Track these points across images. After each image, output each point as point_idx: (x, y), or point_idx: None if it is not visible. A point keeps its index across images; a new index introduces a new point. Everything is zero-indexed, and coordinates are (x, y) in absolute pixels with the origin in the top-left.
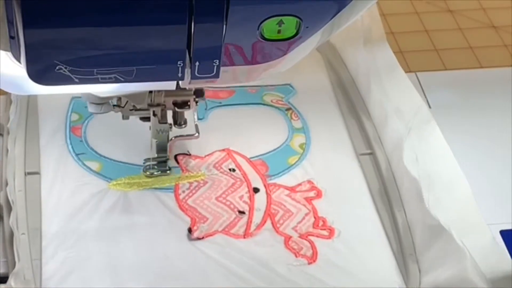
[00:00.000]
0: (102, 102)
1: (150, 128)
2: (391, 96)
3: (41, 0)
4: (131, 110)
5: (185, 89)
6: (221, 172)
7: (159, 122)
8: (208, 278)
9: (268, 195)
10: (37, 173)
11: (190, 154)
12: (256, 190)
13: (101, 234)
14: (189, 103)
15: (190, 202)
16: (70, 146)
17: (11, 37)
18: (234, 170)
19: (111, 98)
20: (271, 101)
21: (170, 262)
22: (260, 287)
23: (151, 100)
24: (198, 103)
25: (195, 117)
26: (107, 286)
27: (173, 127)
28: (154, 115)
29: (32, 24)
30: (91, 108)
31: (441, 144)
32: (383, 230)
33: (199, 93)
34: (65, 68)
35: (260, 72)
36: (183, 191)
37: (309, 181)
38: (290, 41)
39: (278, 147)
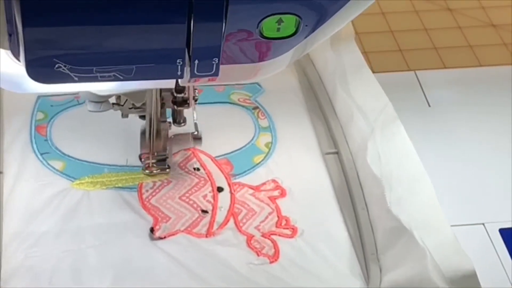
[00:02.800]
0: (101, 101)
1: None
2: (356, 96)
3: (40, 1)
4: (130, 108)
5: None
6: (185, 171)
7: (159, 121)
8: (169, 278)
9: (232, 194)
10: (0, 172)
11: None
12: (220, 189)
13: (62, 233)
14: (188, 102)
15: (153, 202)
16: (34, 145)
17: (10, 36)
18: (198, 169)
19: (110, 96)
20: (238, 100)
21: (132, 262)
22: (219, 287)
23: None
24: (197, 102)
25: (195, 115)
26: (68, 286)
27: (173, 125)
28: None
29: (31, 22)
30: (90, 107)
31: (405, 144)
32: (346, 229)
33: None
34: (64, 66)
35: (259, 70)
36: (147, 190)
37: (273, 180)
38: (289, 39)
39: (243, 146)
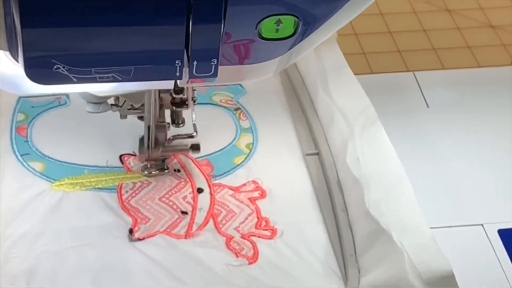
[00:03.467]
0: (100, 102)
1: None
2: (337, 97)
3: (38, 1)
4: (129, 109)
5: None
6: (165, 172)
7: (157, 122)
8: (147, 280)
9: (212, 195)
10: None
11: (135, 154)
12: (200, 190)
13: (41, 235)
14: (187, 103)
15: (133, 203)
16: (14, 146)
17: (9, 37)
18: (179, 170)
19: (109, 97)
20: (220, 101)
21: (111, 263)
22: (198, 286)
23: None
24: (196, 103)
25: (193, 116)
26: (46, 287)
27: (171, 126)
28: None
29: (30, 23)
30: (89, 108)
31: (385, 145)
32: (325, 230)
33: (195, 147)
34: (63, 67)
35: (258, 72)
36: (126, 191)
37: (253, 181)
38: (288, 40)
39: (224, 147)
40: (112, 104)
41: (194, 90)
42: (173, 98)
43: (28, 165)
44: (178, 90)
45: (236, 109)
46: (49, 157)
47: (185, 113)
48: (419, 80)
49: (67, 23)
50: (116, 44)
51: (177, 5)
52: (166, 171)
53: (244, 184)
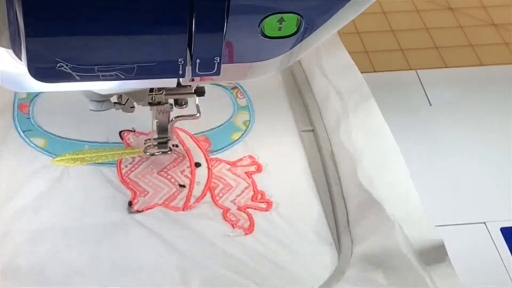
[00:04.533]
0: (103, 100)
1: (150, 109)
2: (332, 76)
3: None
4: (131, 107)
5: (185, 87)
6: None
7: (160, 103)
8: (146, 250)
9: (209, 169)
10: None
11: (134, 131)
12: (197, 164)
13: (41, 209)
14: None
15: (132, 176)
16: (16, 123)
17: (12, 34)
18: (177, 145)
19: (112, 95)
20: None
21: (109, 234)
22: (196, 256)
23: (151, 99)
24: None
25: (196, 98)
26: (44, 260)
27: (174, 107)
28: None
29: (33, 21)
30: (91, 106)
31: (379, 122)
32: (319, 203)
33: (200, 92)
34: (66, 65)
35: (261, 69)
36: (126, 166)
37: (250, 156)
38: (290, 38)
39: (222, 124)
40: (115, 102)
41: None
42: (176, 98)
43: (30, 141)
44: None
45: (233, 88)
46: (50, 133)
47: None
48: (422, 79)
49: (70, 22)
50: (119, 43)
51: (180, 3)
52: (168, 152)
53: (240, 159)
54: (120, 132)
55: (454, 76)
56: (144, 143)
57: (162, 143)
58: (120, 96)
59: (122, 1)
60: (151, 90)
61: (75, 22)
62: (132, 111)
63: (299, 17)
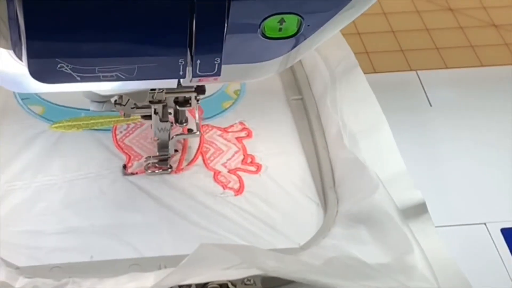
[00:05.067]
0: (104, 100)
1: (151, 127)
2: (320, 46)
3: None
4: (132, 108)
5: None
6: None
7: (160, 121)
8: (141, 210)
9: (201, 135)
10: None
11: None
12: (190, 130)
13: (40, 170)
14: (190, 101)
15: (127, 142)
16: (15, 91)
17: (13, 35)
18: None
19: (112, 96)
20: None
21: (105, 196)
22: (187, 215)
23: (152, 97)
24: (199, 102)
25: (197, 115)
26: (43, 216)
27: (174, 125)
28: (156, 113)
29: (34, 22)
30: (92, 107)
31: (364, 89)
32: (307, 167)
33: (200, 90)
34: (67, 66)
35: (261, 70)
36: (121, 132)
37: (240, 123)
38: (291, 39)
39: (214, 93)
40: (115, 103)
41: None
42: (176, 97)
43: (28, 108)
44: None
45: None
46: (48, 101)
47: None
48: (422, 79)
49: (71, 22)
50: (120, 43)
51: (180, 4)
52: (169, 170)
53: (231, 125)
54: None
55: (454, 77)
56: (145, 161)
57: (163, 160)
58: (120, 96)
59: (123, 2)
60: (152, 89)
61: (75, 23)
62: (133, 112)
63: (299, 18)
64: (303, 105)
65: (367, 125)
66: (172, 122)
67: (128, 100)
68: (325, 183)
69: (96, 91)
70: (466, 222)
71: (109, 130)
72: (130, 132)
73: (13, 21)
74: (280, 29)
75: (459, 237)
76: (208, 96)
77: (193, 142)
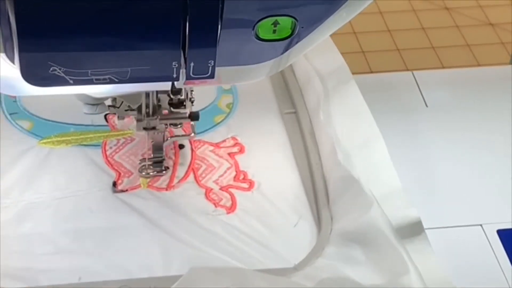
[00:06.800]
0: (97, 103)
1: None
2: (314, 59)
3: (35, 2)
4: (126, 110)
5: (179, 112)
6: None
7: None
8: (131, 229)
9: (192, 151)
10: None
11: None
12: (181, 146)
13: (28, 188)
14: (184, 103)
15: (117, 158)
16: (3, 106)
17: (5, 38)
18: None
19: (106, 98)
20: None
21: (92, 212)
22: (178, 234)
23: (146, 124)
24: (193, 103)
25: (192, 122)
26: (30, 234)
27: (169, 127)
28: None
29: (26, 25)
30: (86, 109)
31: (358, 103)
32: (301, 183)
33: (194, 116)
34: (59, 69)
35: (256, 72)
36: (110, 147)
37: (233, 138)
38: (285, 41)
39: (206, 107)
40: (109, 105)
41: (192, 90)
42: (171, 99)
43: (16, 124)
44: (175, 91)
45: None
46: (36, 116)
47: None
48: (418, 80)
49: (63, 25)
50: (112, 46)
51: (173, 6)
52: (163, 171)
53: (223, 140)
54: (105, 115)
55: (450, 77)
56: (139, 163)
57: (157, 162)
58: (114, 99)
59: (115, 5)
60: (147, 95)
61: (68, 26)
62: (127, 114)
63: (293, 20)
64: (297, 119)
65: (361, 140)
66: (166, 124)
67: (122, 102)
68: (319, 200)
69: (89, 94)
70: (462, 223)
71: (98, 145)
72: (120, 147)
73: (5, 24)
74: (274, 31)
75: (455, 238)
76: (199, 110)
77: (185, 158)
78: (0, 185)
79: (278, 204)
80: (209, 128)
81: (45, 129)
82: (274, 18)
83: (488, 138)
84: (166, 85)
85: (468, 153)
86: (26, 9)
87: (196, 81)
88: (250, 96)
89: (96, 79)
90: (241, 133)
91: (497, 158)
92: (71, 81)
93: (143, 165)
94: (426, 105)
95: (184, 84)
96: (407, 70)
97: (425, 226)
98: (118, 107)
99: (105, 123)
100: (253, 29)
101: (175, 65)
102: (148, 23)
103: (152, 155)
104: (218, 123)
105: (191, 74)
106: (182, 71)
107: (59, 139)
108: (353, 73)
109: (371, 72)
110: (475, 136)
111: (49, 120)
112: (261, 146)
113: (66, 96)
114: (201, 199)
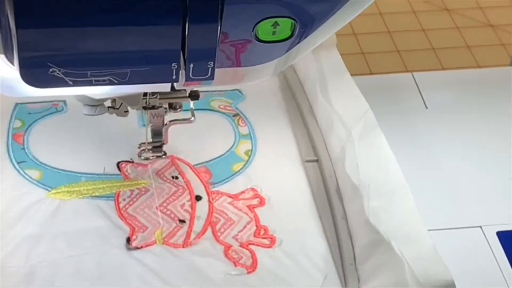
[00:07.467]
0: (97, 104)
1: (145, 113)
2: (337, 103)
3: (34, 2)
4: (125, 111)
5: (179, 91)
6: (164, 180)
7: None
8: None
9: (210, 203)
10: None
11: (133, 161)
12: (198, 198)
13: (38, 244)
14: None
15: (130, 211)
16: (11, 154)
17: (4, 39)
18: (177, 177)
19: (105, 99)
20: (219, 107)
21: (108, 272)
22: None
23: (146, 103)
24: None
25: (191, 102)
26: None
27: (169, 111)
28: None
29: (25, 26)
30: (85, 110)
31: (385, 152)
32: (325, 239)
33: (194, 95)
34: (59, 70)
35: (255, 74)
36: (124, 199)
37: (252, 189)
38: (285, 42)
39: (223, 154)
40: (109, 107)
41: None
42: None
43: (25, 173)
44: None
45: (235, 115)
46: (45, 165)
47: None
48: (418, 81)
49: (62, 26)
50: (112, 47)
51: (173, 7)
52: (163, 156)
53: (242, 192)
54: (118, 163)
55: (450, 78)
56: (138, 147)
57: (157, 147)
58: (114, 100)
59: (115, 6)
60: (145, 94)
61: (67, 27)
62: (126, 115)
63: (293, 21)
64: (319, 168)
65: (389, 194)
66: (166, 108)
67: (122, 103)
68: (345, 259)
69: (88, 95)
70: (462, 225)
71: (111, 197)
72: (134, 199)
73: (4, 25)
74: (274, 33)
75: (455, 240)
76: (217, 158)
77: (202, 211)
78: (8, 243)
79: (301, 263)
80: (227, 178)
81: (55, 179)
82: (273, 20)
83: (488, 139)
84: (166, 87)
85: (468, 155)
86: (25, 10)
87: (197, 83)
88: (270, 142)
89: (95, 80)
90: (261, 184)
91: (497, 160)
92: (71, 82)
93: (142, 149)
94: (426, 107)
95: (183, 85)
96: (407, 71)
97: None
98: (118, 108)
99: (117, 172)
100: (252, 30)
101: (174, 67)
102: (148, 24)
103: (151, 139)
104: (237, 172)
105: (190, 75)
106: (182, 72)
107: (69, 189)
108: (352, 75)
109: (371, 73)
110: (475, 137)
111: (59, 169)
112: (282, 199)
113: (76, 142)
114: (220, 257)
